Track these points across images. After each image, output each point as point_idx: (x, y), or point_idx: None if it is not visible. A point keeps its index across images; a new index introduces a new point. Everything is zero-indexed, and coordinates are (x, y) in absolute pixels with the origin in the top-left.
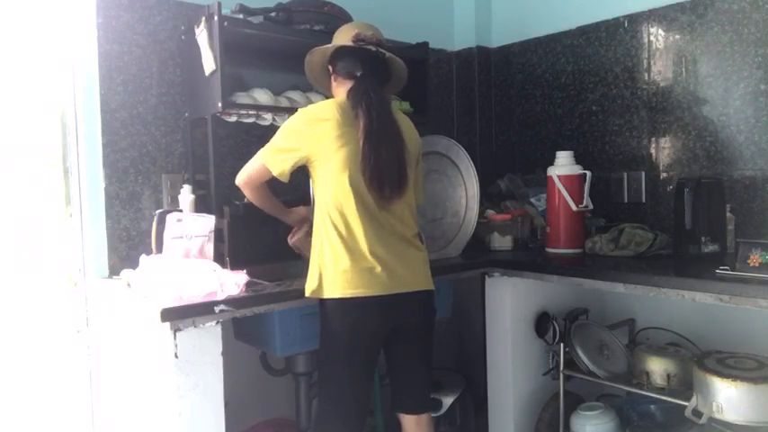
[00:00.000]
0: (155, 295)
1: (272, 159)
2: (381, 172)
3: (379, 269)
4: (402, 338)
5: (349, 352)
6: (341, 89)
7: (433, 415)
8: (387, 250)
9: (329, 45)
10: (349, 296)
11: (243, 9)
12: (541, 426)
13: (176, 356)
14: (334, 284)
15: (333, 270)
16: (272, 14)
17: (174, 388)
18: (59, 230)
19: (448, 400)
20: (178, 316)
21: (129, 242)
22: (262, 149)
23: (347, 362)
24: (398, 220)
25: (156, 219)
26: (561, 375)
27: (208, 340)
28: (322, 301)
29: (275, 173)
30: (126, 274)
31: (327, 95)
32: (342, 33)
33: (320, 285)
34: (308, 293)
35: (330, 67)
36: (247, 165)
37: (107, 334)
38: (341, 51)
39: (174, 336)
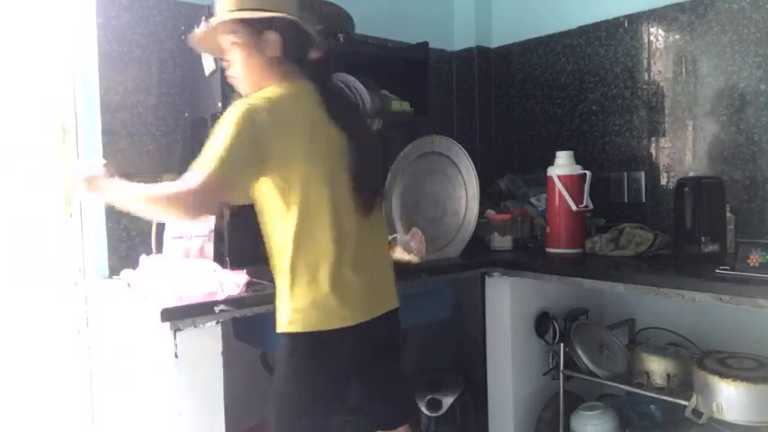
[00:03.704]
0: (155, 295)
1: (231, 178)
2: (367, 180)
3: (348, 297)
4: (370, 362)
5: (317, 390)
6: (282, 71)
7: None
8: (359, 272)
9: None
10: (318, 329)
11: None
12: (541, 426)
13: (176, 356)
14: (303, 317)
15: (300, 302)
16: None
17: (174, 388)
18: (59, 230)
19: (448, 400)
20: (178, 316)
21: (129, 242)
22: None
23: (313, 403)
24: (375, 230)
25: None
26: (561, 375)
27: (208, 340)
28: (286, 337)
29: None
30: (126, 274)
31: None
32: None
33: (289, 319)
34: (285, 329)
35: (276, 35)
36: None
37: (107, 334)
38: (294, 25)
39: (174, 336)
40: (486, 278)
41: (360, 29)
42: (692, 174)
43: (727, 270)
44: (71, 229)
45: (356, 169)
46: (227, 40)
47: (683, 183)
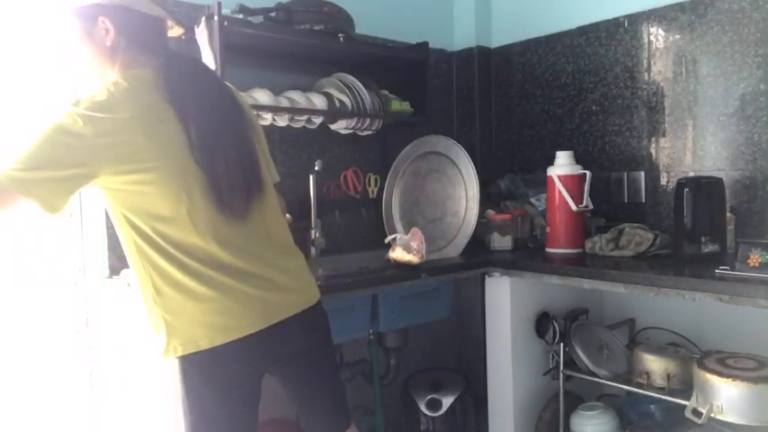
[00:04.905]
0: None
1: (48, 190)
2: (229, 183)
3: (247, 301)
4: (295, 366)
5: (225, 409)
6: (124, 59)
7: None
8: (246, 278)
9: None
10: (215, 345)
11: (243, 9)
12: (541, 426)
13: (176, 357)
14: (191, 335)
15: (183, 318)
16: (272, 14)
17: (174, 388)
18: (59, 230)
19: (448, 400)
20: None
21: None
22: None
23: (226, 420)
24: (264, 227)
25: None
26: (561, 375)
27: None
28: (179, 359)
29: (47, 210)
30: (126, 274)
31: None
32: None
33: (170, 341)
34: (163, 356)
35: (108, 21)
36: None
37: (107, 334)
38: (126, 9)
39: None
40: (486, 278)
41: (360, 29)
42: (692, 174)
43: (726, 270)
44: (71, 229)
45: (213, 177)
46: (67, 34)
47: (682, 183)
